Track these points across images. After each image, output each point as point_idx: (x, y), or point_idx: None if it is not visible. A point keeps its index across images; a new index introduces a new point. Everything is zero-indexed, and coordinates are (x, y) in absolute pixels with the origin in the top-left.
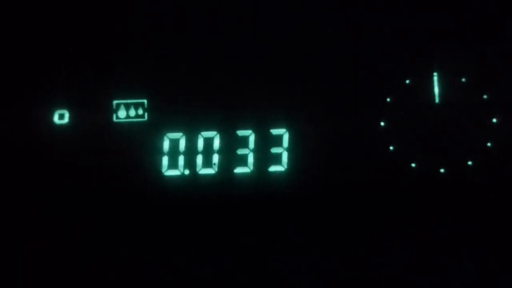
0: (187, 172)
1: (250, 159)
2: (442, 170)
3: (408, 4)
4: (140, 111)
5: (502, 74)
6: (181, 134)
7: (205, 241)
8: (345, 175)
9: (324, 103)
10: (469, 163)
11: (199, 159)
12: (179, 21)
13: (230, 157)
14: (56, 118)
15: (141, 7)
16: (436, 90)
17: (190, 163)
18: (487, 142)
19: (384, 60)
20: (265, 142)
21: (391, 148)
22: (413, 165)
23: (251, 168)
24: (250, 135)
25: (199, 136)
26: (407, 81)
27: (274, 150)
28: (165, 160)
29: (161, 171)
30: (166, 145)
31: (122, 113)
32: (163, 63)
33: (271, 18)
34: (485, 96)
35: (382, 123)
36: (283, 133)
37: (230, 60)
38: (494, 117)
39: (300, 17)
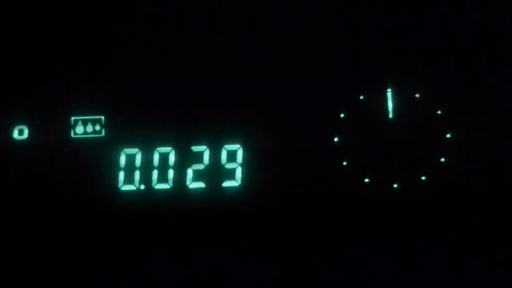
0: (142, 187)
1: (205, 174)
2: (395, 185)
3: (362, 20)
4: (98, 127)
5: (456, 90)
6: (137, 149)
7: (160, 256)
8: (299, 190)
9: (278, 118)
10: (423, 178)
11: (155, 174)
12: (135, 39)
13: (185, 172)
14: (15, 134)
15: (98, 25)
16: (390, 105)
17: (146, 178)
18: (441, 158)
19: (338, 75)
20: (219, 158)
21: (344, 163)
22: (366, 180)
23: (206, 183)
24: (204, 150)
25: (155, 151)
26: (361, 97)
27: (229, 165)
28: (121, 175)
29: (117, 186)
30: (122, 160)
31: (79, 129)
32: (121, 80)
33: (225, 33)
34: (439, 112)
35: (335, 138)
36: (237, 148)
37: (185, 76)
38: (448, 133)
39: (254, 33)
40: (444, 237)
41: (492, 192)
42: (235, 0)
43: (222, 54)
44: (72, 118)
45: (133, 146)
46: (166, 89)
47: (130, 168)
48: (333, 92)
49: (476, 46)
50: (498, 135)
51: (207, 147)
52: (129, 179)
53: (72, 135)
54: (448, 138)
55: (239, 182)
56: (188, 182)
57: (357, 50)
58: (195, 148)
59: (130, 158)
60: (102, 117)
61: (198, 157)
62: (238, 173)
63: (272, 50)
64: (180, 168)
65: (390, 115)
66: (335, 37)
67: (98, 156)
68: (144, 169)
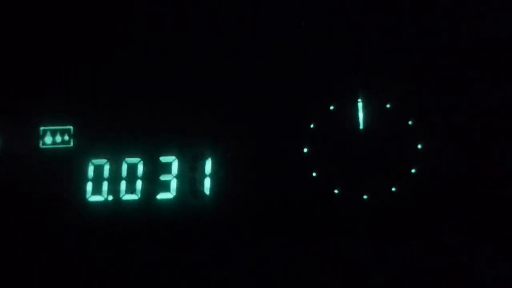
0: (110, 198)
1: (173, 185)
2: (365, 197)
3: (333, 30)
4: (66, 138)
5: (427, 100)
6: (105, 160)
7: (127, 267)
8: (268, 201)
9: (247, 129)
10: (393, 189)
11: (123, 185)
12: (103, 50)
13: (153, 183)
14: None
15: (66, 37)
16: (361, 116)
17: (114, 189)
18: (412, 168)
19: (308, 85)
20: (187, 168)
21: (314, 174)
22: (336, 191)
23: (174, 194)
24: (173, 161)
25: (123, 162)
26: (331, 107)
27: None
28: (89, 186)
29: (85, 197)
30: (90, 171)
31: (48, 139)
32: (89, 90)
33: (194, 44)
34: (410, 122)
35: (305, 149)
36: (206, 159)
37: (154, 86)
38: (419, 143)
39: (223, 44)
40: (415, 249)
41: (463, 203)
42: (204, 8)
43: (191, 64)
44: (41, 128)
45: (102, 157)
46: (135, 100)
47: (98, 179)
48: (303, 103)
49: (447, 56)
50: (470, 146)
51: (176, 157)
52: (97, 190)
53: (41, 145)
54: (419, 148)
55: (208, 193)
56: (155, 193)
57: (327, 60)
58: (164, 159)
59: (98, 169)
60: (71, 128)
61: (167, 168)
62: (207, 184)
63: (241, 60)
64: (149, 179)
65: (361, 126)
66: (305, 47)
67: (67, 166)
68: (112, 180)
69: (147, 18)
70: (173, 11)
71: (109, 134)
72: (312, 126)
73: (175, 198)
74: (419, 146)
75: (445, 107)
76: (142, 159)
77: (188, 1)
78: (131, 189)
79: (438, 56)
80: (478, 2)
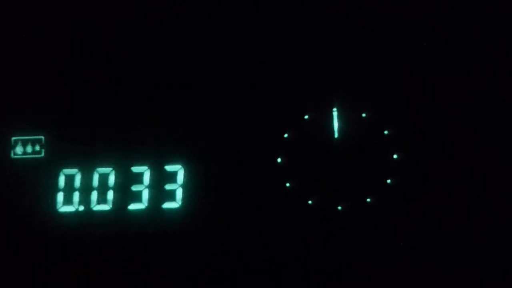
0: (81, 208)
1: (145, 195)
2: (339, 208)
3: (307, 39)
4: (37, 148)
5: (403, 110)
6: (76, 170)
7: (98, 278)
8: (241, 212)
9: (220, 139)
10: (368, 200)
11: (94, 195)
12: (75, 60)
13: (124, 193)
14: None
15: (38, 46)
16: (336, 125)
17: (85, 199)
18: (387, 179)
19: (282, 94)
20: (160, 179)
21: (287, 184)
22: (310, 202)
23: (146, 204)
24: (145, 171)
25: (95, 172)
26: (306, 117)
27: (169, 186)
28: (60, 196)
29: (55, 208)
30: (61, 181)
31: (19, 149)
32: (61, 100)
33: (165, 54)
34: (386, 132)
35: (279, 159)
36: (178, 169)
37: (126, 96)
38: (394, 153)
39: (194, 54)
40: (390, 261)
41: (440, 214)
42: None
43: (164, 74)
44: (12, 139)
45: (73, 167)
46: (107, 110)
47: (69, 189)
48: (277, 112)
49: (423, 66)
50: (446, 156)
51: (148, 167)
52: (68, 200)
53: (12, 155)
54: (395, 159)
55: (180, 203)
56: (127, 204)
57: (302, 69)
58: (136, 169)
59: (70, 179)
60: (42, 137)
61: (138, 178)
62: (179, 194)
63: (214, 69)
64: (120, 189)
65: (336, 135)
66: (280, 56)
67: (38, 176)
68: (83, 190)
69: (117, 29)
70: (141, 22)
71: (81, 144)
72: (286, 135)
73: (147, 208)
74: (395, 156)
75: (421, 117)
76: (114, 169)
77: (152, 15)
78: (104, 199)
79: (415, 65)
80: (452, 9)
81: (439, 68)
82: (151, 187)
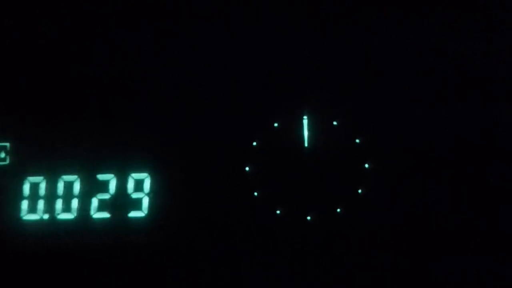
0: (46, 216)
1: (110, 204)
2: (308, 218)
3: (278, 45)
4: (3, 155)
5: (376, 118)
6: (42, 178)
7: (62, 286)
8: (208, 221)
9: (187, 146)
10: (338, 210)
11: (59, 203)
12: (39, 66)
13: (89, 201)
14: None
15: (1, 52)
16: (306, 133)
17: (49, 207)
18: (358, 189)
19: (251, 101)
20: (126, 187)
21: (255, 193)
22: (278, 211)
23: (111, 213)
24: (111, 179)
25: (60, 180)
26: (276, 124)
27: (135, 195)
28: (24, 204)
29: (20, 216)
30: (26, 189)
31: None
32: (26, 107)
33: (132, 61)
34: (357, 141)
35: (247, 168)
36: (144, 177)
37: (91, 103)
38: (366, 162)
39: (163, 60)
40: (358, 272)
41: (411, 225)
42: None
43: (130, 81)
44: None
45: (38, 174)
46: (72, 117)
47: (33, 197)
48: (246, 119)
49: (395, 74)
50: (418, 166)
51: (114, 175)
52: (32, 208)
53: None
54: (366, 168)
55: (146, 212)
56: (92, 212)
57: (272, 76)
58: (101, 177)
59: (34, 187)
60: (7, 144)
61: (104, 186)
62: (145, 203)
63: (181, 77)
64: (85, 197)
65: (306, 144)
66: (249, 61)
67: (2, 184)
68: (48, 198)
69: (82, 35)
70: (103, 31)
71: (46, 151)
72: (255, 143)
73: (111, 217)
74: (367, 166)
75: (394, 126)
76: (79, 177)
77: (117, 22)
78: (69, 207)
79: (387, 74)
80: (423, 18)
81: (412, 76)
82: (116, 195)
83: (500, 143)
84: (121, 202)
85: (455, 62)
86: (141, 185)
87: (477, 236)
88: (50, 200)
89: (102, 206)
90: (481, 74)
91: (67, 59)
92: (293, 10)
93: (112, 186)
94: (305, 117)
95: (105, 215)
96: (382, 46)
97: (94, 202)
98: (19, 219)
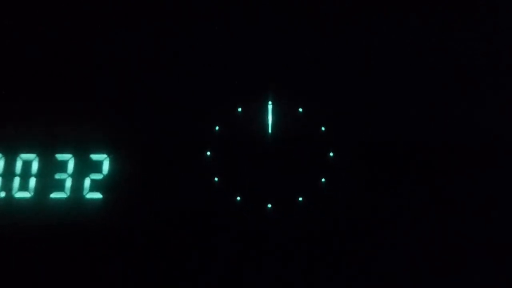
0: (3, 195)
1: (68, 184)
2: (269, 205)
3: (243, 31)
4: None
5: (341, 107)
6: (0, 155)
7: (17, 267)
8: (166, 205)
9: (148, 129)
10: (300, 199)
11: (16, 181)
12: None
13: (47, 181)
14: None
15: None
16: (270, 120)
17: (6, 185)
18: (321, 178)
19: (213, 84)
20: (84, 168)
21: (216, 179)
22: (238, 198)
23: (68, 193)
24: (69, 159)
25: (18, 158)
26: (239, 109)
27: (93, 176)
28: None
29: None
30: None
31: None
32: None
33: (95, 48)
34: (322, 128)
35: (208, 153)
36: (103, 158)
37: (52, 83)
38: (330, 151)
39: (127, 43)
40: (319, 263)
41: (373, 215)
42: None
43: (92, 63)
44: None
45: None
46: (33, 93)
47: None
48: (209, 103)
49: (361, 62)
50: (384, 156)
51: (72, 155)
52: None
53: None
54: (330, 157)
55: (103, 194)
56: (50, 192)
57: (236, 59)
58: (60, 156)
59: None
60: None
61: (62, 166)
62: (103, 184)
63: (143, 58)
64: (43, 177)
65: (270, 130)
66: (212, 44)
67: None
68: (5, 176)
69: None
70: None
71: (4, 128)
72: (216, 128)
73: (68, 197)
74: (331, 155)
75: (359, 116)
76: (38, 155)
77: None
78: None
79: (355, 62)
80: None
81: (378, 65)
82: (74, 175)
83: (462, 135)
84: (79, 183)
85: (417, 51)
86: (99, 166)
87: (437, 228)
88: (7, 178)
89: (59, 186)
90: (447, 66)
91: (23, 41)
92: None
93: (70, 166)
94: (270, 102)
95: (62, 195)
96: (349, 34)
97: (52, 181)
98: None
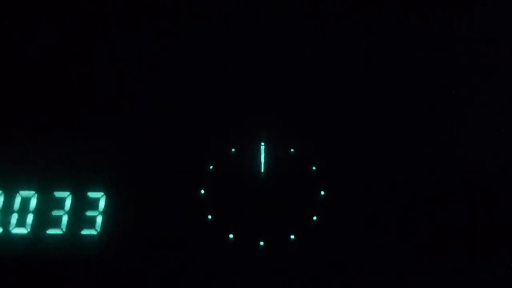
0: (0, 230)
1: (64, 221)
2: (261, 243)
3: (236, 72)
4: None
5: (333, 147)
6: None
7: None
8: (160, 242)
9: (143, 168)
10: (292, 237)
11: (14, 218)
12: None
13: (44, 217)
14: None
15: None
16: (263, 160)
17: (4, 221)
18: (313, 216)
19: (208, 126)
20: (81, 205)
21: (209, 217)
22: (231, 236)
23: (64, 229)
24: (67, 196)
25: (17, 195)
26: (233, 150)
27: (89, 213)
28: None
29: None
30: None
31: None
32: None
33: (91, 79)
34: (314, 168)
35: (202, 191)
36: (100, 196)
37: (50, 119)
38: (322, 190)
39: (124, 78)
40: None
41: (366, 253)
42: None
43: (88, 98)
44: None
45: None
46: (31, 130)
47: None
48: (202, 143)
49: (350, 103)
50: (375, 195)
51: (70, 193)
52: None
53: None
54: (322, 195)
55: (98, 231)
56: (47, 228)
57: (230, 101)
58: (58, 194)
59: None
60: None
61: (60, 203)
62: (99, 221)
63: (139, 96)
64: (40, 213)
65: (262, 170)
66: (206, 86)
67: None
68: (4, 213)
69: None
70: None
71: (4, 165)
72: (211, 167)
73: (64, 234)
74: (322, 193)
75: (351, 155)
76: (37, 192)
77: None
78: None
79: (344, 103)
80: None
81: (369, 105)
82: (71, 213)
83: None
84: (75, 220)
85: (408, 87)
86: (96, 204)
87: (433, 266)
88: (5, 215)
89: (56, 222)
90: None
91: (23, 74)
92: (253, 34)
93: (68, 203)
94: (262, 143)
95: (58, 231)
96: (336, 76)
97: (49, 218)
98: None
